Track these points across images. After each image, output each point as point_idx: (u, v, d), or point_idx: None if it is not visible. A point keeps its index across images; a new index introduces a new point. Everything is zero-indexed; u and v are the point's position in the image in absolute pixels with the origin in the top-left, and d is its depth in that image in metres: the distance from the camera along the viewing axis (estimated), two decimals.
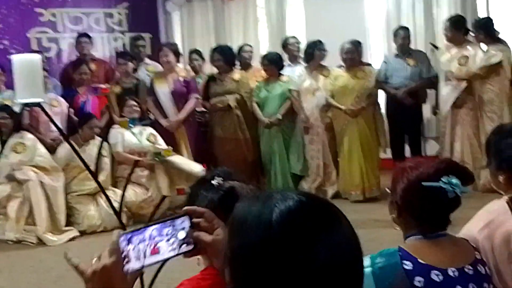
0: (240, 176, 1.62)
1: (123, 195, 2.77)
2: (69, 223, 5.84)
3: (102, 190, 2.89)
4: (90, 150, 5.79)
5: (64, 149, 5.87)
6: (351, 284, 0.92)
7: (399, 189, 1.73)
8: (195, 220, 1.21)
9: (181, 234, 1.15)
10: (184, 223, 1.17)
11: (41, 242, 5.51)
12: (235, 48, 6.92)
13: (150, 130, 6.29)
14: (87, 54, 6.84)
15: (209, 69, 7.20)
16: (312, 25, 7.78)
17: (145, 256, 1.11)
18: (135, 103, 6.17)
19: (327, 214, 0.93)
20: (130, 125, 2.90)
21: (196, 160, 6.41)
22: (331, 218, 0.93)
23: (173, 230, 1.16)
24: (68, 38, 7.31)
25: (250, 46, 7.26)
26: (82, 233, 5.77)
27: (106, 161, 5.96)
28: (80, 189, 5.89)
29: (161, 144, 6.19)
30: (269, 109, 6.51)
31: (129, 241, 1.10)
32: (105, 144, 5.87)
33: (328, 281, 0.88)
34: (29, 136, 5.84)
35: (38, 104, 2.78)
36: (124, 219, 5.79)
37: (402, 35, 6.54)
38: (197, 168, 5.87)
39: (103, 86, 3.47)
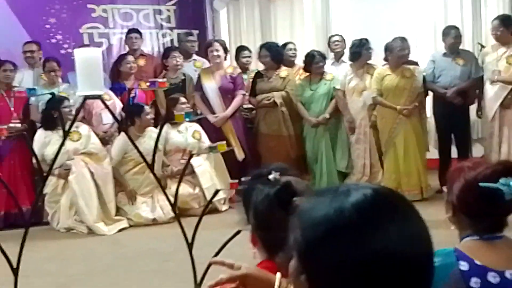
0: (295, 172, 1.65)
1: (177, 190, 2.86)
2: (119, 215, 5.99)
3: (160, 184, 2.97)
4: (146, 143, 5.91)
5: (119, 141, 6.05)
6: (418, 277, 0.92)
7: (455, 189, 1.72)
8: None
9: None
10: None
11: (91, 232, 5.68)
12: None
13: (195, 127, 6.39)
14: (137, 49, 6.98)
15: (255, 66, 7.27)
16: (358, 23, 7.75)
17: None
18: (185, 100, 6.29)
19: (401, 205, 0.94)
20: (186, 118, 2.97)
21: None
22: (405, 209, 0.94)
23: None
24: (118, 34, 7.48)
25: (294, 44, 7.29)
26: (132, 225, 5.92)
27: (160, 155, 6.09)
28: (134, 184, 6.05)
29: (205, 141, 6.31)
30: (316, 108, 6.54)
31: None
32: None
33: (395, 271, 0.88)
34: (84, 126, 6.04)
35: (99, 97, 2.90)
36: (172, 213, 5.94)
37: (453, 35, 6.44)
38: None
39: (160, 80, 3.55)
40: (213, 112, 6.58)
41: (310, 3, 8.15)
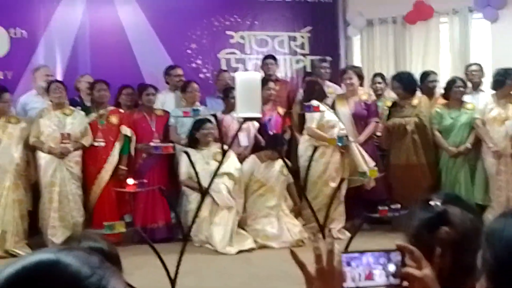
0: (468, 205, 1.62)
1: (327, 212, 2.87)
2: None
3: (309, 204, 3.00)
4: (272, 167, 6.02)
5: (248, 164, 6.23)
6: None
7: None
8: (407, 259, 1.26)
9: (391, 267, 1.25)
10: (396, 257, 1.27)
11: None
12: (417, 74, 6.87)
13: None
14: (272, 74, 7.16)
15: (388, 93, 7.20)
16: (499, 51, 7.42)
17: (359, 279, 1.23)
18: None
19: None
20: (338, 143, 3.00)
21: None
22: None
23: (387, 261, 1.26)
24: (253, 59, 7.72)
25: (436, 74, 7.12)
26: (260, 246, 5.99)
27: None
28: (257, 205, 6.16)
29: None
30: (456, 138, 6.35)
31: (348, 264, 1.23)
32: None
33: None
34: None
35: (256, 119, 2.99)
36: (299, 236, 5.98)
37: None
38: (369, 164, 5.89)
39: (315, 104, 3.63)
40: None
41: (448, 30, 7.92)
